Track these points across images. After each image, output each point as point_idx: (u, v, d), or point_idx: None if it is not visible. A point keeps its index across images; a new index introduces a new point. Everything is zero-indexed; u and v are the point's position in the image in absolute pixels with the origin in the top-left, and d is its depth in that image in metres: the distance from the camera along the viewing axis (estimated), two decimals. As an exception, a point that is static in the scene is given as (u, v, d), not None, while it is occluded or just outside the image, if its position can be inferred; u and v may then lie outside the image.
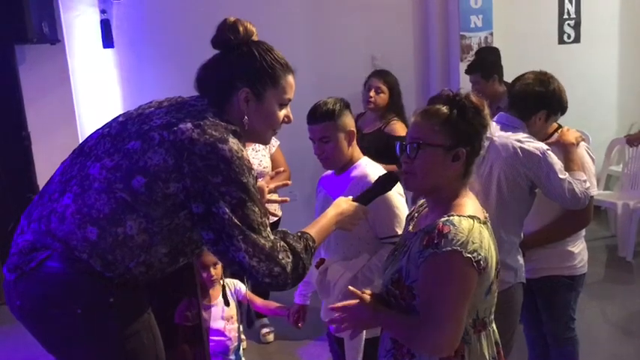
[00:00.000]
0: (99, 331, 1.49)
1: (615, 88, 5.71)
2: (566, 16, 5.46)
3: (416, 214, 1.68)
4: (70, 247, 1.45)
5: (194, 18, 4.43)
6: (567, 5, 5.44)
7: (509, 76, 4.66)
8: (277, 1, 4.74)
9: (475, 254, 1.40)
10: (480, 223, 1.46)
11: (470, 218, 1.44)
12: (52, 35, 4.12)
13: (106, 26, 4.45)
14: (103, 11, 4.44)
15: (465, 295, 1.41)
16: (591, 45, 5.50)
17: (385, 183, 1.91)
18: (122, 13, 4.53)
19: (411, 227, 1.64)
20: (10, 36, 3.87)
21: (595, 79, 5.47)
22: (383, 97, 3.89)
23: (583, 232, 2.54)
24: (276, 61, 1.60)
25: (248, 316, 2.57)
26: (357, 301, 1.58)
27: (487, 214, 1.56)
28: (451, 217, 1.44)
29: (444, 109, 1.50)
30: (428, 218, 1.55)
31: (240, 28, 1.59)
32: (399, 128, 3.75)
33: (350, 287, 1.63)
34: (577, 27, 5.50)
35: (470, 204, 1.51)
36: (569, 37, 5.50)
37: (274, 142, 3.61)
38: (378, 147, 3.39)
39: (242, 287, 2.63)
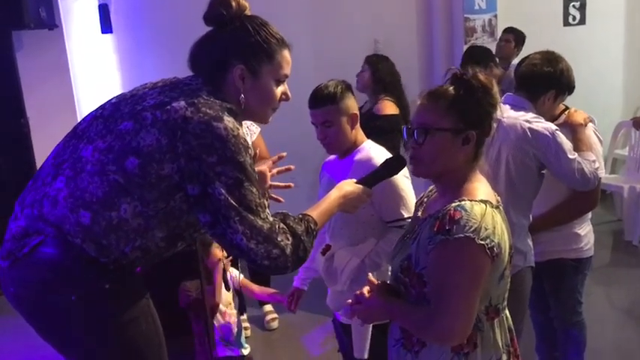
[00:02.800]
0: (95, 319, 1.45)
1: (621, 71, 5.64)
2: (571, -2, 5.38)
3: (425, 199, 1.62)
4: (63, 231, 1.42)
5: (194, 2, 4.36)
6: (572, -14, 5.36)
7: (514, 58, 4.62)
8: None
9: (488, 241, 1.35)
10: (492, 207, 1.40)
11: (482, 203, 1.39)
12: (49, 20, 4.07)
13: (104, 11, 4.40)
14: (101, -4, 4.40)
15: (477, 282, 1.36)
16: (597, 27, 5.42)
17: (392, 166, 1.86)
18: (120, -2, 4.48)
19: (420, 213, 1.59)
20: (7, 22, 3.84)
21: (600, 62, 5.39)
22: (363, 75, 3.94)
23: (589, 214, 2.50)
24: (271, 35, 1.56)
25: (240, 303, 2.55)
26: (367, 288, 1.55)
27: (499, 198, 1.51)
28: (462, 202, 1.38)
29: (451, 89, 1.44)
30: (438, 203, 1.49)
31: (233, 3, 1.54)
32: (386, 106, 3.77)
33: (370, 276, 1.61)
34: (582, 9, 5.42)
35: (481, 188, 1.45)
36: (574, 19, 5.42)
37: (255, 128, 3.56)
38: (366, 126, 3.28)
39: (237, 274, 2.60)
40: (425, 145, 1.44)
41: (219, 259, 2.41)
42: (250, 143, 3.59)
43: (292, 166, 2.06)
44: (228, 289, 2.48)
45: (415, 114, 1.49)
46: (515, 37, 4.77)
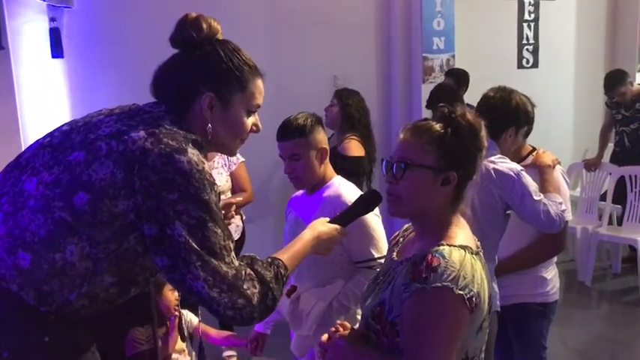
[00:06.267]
0: None
1: (571, 114, 5.82)
2: (525, 42, 5.55)
3: (401, 239, 1.54)
4: None
5: (149, 28, 4.21)
6: (526, 31, 5.54)
7: (470, 97, 4.67)
8: (238, 17, 4.61)
9: (467, 290, 1.26)
10: (471, 253, 1.32)
11: (461, 249, 1.31)
12: (-5, 42, 3.86)
13: (55, 35, 4.21)
14: (52, 19, 4.21)
15: (454, 336, 1.27)
16: (548, 70, 5.61)
17: (368, 202, 1.76)
18: (73, 22, 4.31)
19: (395, 254, 1.50)
20: (-51, 41, 3.61)
21: (552, 105, 5.53)
22: (332, 110, 3.80)
23: (555, 257, 2.47)
24: (245, 62, 1.45)
25: (200, 350, 2.37)
26: (332, 330, 1.45)
27: (479, 243, 1.44)
28: (441, 248, 1.30)
29: (437, 126, 1.37)
30: (415, 246, 1.41)
31: (204, 25, 1.42)
32: (352, 147, 3.60)
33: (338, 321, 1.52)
34: (535, 53, 5.60)
35: (461, 232, 1.38)
36: (527, 62, 5.60)
37: (236, 159, 3.43)
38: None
39: (194, 319, 2.43)
40: (403, 181, 1.36)
41: (176, 306, 2.24)
42: (228, 174, 3.42)
43: (240, 199, 1.95)
44: (184, 340, 2.30)
45: (396, 148, 1.41)
46: (455, 79, 4.66)
